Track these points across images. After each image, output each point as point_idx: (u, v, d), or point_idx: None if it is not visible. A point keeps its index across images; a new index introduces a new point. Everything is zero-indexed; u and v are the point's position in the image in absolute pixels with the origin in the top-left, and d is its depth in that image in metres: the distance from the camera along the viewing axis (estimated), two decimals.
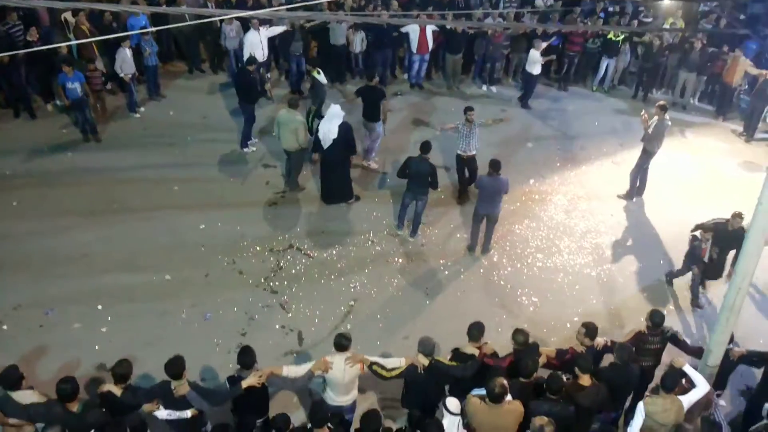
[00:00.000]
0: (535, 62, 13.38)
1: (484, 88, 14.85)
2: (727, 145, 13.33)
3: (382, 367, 5.99)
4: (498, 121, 13.18)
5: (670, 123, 10.61)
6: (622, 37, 14.58)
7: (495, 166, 8.87)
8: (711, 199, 10.92)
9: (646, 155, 10.64)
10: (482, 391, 5.58)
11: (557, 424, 5.25)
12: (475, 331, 6.23)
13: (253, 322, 8.07)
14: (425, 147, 9.21)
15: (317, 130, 9.83)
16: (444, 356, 6.30)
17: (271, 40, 13.02)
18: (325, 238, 9.60)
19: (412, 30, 13.56)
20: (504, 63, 15.11)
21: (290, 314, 8.25)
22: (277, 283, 8.69)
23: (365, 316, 8.32)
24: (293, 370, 6.07)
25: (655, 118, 10.38)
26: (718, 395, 6.71)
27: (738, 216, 8.28)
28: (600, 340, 6.43)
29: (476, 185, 9.50)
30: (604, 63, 14.91)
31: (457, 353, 6.23)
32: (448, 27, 13.86)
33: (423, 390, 6.15)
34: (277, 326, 8.06)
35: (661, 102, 10.88)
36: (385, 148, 11.47)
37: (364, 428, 5.31)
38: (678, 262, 9.21)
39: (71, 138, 11.52)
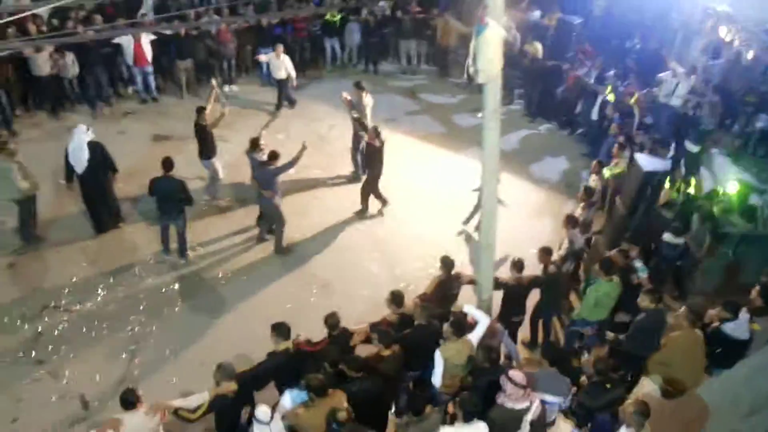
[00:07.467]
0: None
1: (227, 88, 14.25)
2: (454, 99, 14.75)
3: (187, 410, 5.56)
4: None
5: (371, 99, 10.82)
6: (338, 17, 15.20)
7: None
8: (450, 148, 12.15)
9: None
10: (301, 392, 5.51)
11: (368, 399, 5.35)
12: (281, 329, 6.08)
13: (22, 403, 7.00)
14: (168, 165, 8.65)
15: (67, 155, 8.88)
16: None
17: None
18: (84, 286, 8.62)
19: (126, 42, 12.69)
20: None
21: (65, 381, 7.30)
22: (40, 351, 7.63)
23: (152, 355, 7.67)
24: None
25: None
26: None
27: None
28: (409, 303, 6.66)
29: None
30: (327, 44, 15.54)
31: (270, 355, 6.08)
32: (169, 33, 13.22)
33: (233, 414, 5.84)
34: (54, 398, 7.09)
35: (357, 81, 11.22)
36: (125, 169, 10.22)
37: None
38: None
39: None
